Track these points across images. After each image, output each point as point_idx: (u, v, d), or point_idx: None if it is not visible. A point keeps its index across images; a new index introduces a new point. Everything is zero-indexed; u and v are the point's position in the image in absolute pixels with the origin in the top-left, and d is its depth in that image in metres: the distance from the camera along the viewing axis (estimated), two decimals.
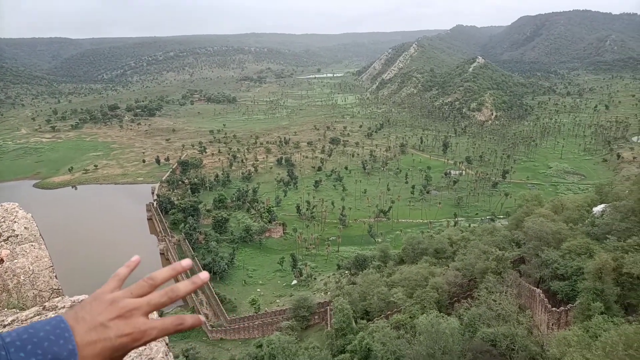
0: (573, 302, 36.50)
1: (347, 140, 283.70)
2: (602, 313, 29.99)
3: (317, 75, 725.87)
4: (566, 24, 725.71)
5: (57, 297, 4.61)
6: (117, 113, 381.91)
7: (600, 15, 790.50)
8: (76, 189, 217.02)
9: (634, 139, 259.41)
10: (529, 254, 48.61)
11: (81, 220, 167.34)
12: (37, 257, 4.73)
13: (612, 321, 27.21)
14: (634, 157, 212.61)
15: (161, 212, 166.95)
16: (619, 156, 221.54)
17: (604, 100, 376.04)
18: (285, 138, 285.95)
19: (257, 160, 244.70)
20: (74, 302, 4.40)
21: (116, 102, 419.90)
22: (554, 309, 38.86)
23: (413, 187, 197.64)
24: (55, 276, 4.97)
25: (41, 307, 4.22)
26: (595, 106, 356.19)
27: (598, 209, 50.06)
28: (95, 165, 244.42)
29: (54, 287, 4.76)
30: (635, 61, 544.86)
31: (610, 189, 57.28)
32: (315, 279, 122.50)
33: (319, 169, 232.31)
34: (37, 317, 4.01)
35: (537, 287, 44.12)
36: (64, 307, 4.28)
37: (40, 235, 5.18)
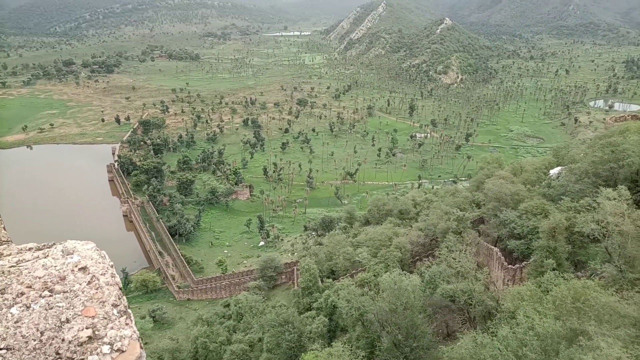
0: (528, 260, 38.42)
1: (315, 102, 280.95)
2: (553, 269, 31.70)
3: (283, 33, 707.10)
4: None
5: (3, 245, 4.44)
6: (72, 69, 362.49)
7: None
8: (31, 148, 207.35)
9: (591, 103, 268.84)
10: (488, 215, 50.43)
11: (39, 182, 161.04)
12: None
13: (562, 277, 28.81)
14: (590, 122, 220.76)
15: (123, 174, 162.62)
16: (576, 120, 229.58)
17: (565, 64, 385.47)
18: (251, 98, 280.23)
19: (223, 121, 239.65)
20: (20, 249, 4.25)
21: (71, 57, 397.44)
22: (510, 266, 40.84)
23: (379, 149, 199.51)
24: (4, 227, 4.76)
25: None
26: (557, 71, 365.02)
27: (554, 171, 52.04)
28: (51, 124, 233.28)
29: (2, 238, 4.57)
30: (595, 26, 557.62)
31: (567, 152, 59.47)
32: (282, 240, 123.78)
33: (286, 130, 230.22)
34: None
35: (495, 246, 46.11)
36: (9, 254, 4.13)
37: None
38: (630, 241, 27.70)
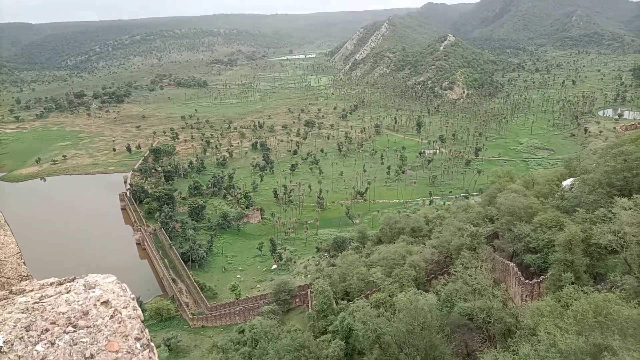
0: (545, 274, 37.71)
1: (322, 123, 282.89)
2: (572, 283, 31.07)
3: (289, 57, 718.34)
4: (533, 0, 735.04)
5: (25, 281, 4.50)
6: (83, 100, 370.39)
7: None
8: (45, 180, 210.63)
9: (600, 113, 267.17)
10: (502, 229, 49.82)
11: (52, 213, 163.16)
12: (2, 244, 4.56)
13: (582, 290, 28.20)
14: (600, 131, 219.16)
15: (135, 202, 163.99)
16: (586, 130, 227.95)
17: (571, 75, 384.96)
18: (259, 122, 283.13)
19: (232, 146, 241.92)
20: (42, 285, 4.30)
21: (82, 89, 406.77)
22: (527, 281, 40.11)
23: (389, 167, 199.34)
24: (24, 262, 4.82)
25: (8, 292, 4.18)
26: (563, 82, 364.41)
27: (567, 182, 51.49)
28: (64, 156, 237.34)
29: (23, 273, 4.62)
30: (599, 36, 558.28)
31: (578, 162, 58.86)
32: (294, 262, 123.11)
33: (295, 152, 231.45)
34: (4, 300, 3.97)
35: (511, 261, 45.41)
36: (32, 290, 4.18)
37: (6, 221, 4.98)
38: None
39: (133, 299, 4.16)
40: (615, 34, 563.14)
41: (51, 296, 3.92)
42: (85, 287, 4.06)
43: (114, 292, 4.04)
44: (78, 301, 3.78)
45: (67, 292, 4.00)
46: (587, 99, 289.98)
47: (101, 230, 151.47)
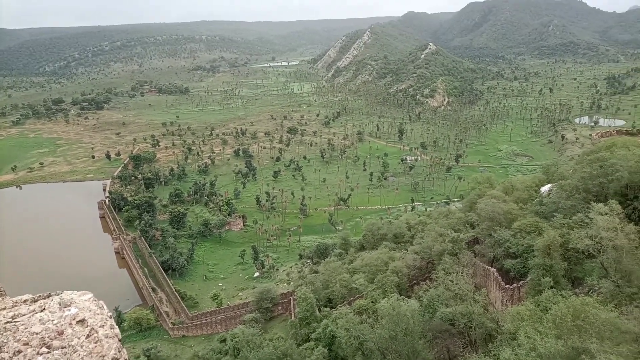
0: (525, 279, 38.24)
1: (305, 130, 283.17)
2: (551, 287, 31.55)
3: (271, 64, 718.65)
4: (512, 10, 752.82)
5: None
6: (62, 107, 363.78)
7: (543, 1, 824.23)
8: (21, 188, 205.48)
9: (576, 120, 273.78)
10: (483, 235, 50.46)
11: (28, 222, 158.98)
12: None
13: (560, 294, 28.63)
14: (577, 138, 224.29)
15: (114, 210, 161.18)
16: (563, 137, 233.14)
17: (548, 83, 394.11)
18: (241, 129, 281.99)
19: (214, 153, 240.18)
20: (15, 302, 4.08)
21: (61, 96, 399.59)
22: (507, 286, 40.61)
23: (371, 174, 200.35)
24: None
25: None
26: (541, 90, 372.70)
27: (545, 188, 52.46)
28: (41, 163, 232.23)
29: None
30: (575, 45, 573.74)
31: (556, 169, 60.10)
32: (277, 270, 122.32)
33: (278, 159, 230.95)
34: None
35: (491, 266, 45.94)
36: (4, 308, 3.96)
37: None
38: (625, 255, 27.76)
39: (110, 317, 4.00)
40: (590, 44, 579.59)
41: (24, 315, 3.77)
42: (60, 305, 3.90)
43: (90, 310, 3.89)
44: (52, 320, 3.66)
45: (41, 311, 3.84)
46: (564, 106, 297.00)
47: (79, 240, 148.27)
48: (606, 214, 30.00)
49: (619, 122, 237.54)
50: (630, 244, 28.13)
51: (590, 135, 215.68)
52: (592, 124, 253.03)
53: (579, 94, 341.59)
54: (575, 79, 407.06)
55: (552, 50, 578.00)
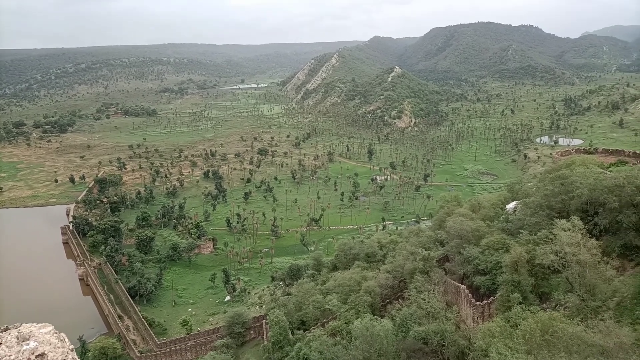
0: (494, 295, 38.88)
1: (275, 151, 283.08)
2: (520, 303, 32.17)
3: (241, 86, 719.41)
4: (473, 35, 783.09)
5: None
6: (23, 130, 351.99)
7: (502, 27, 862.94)
8: None
9: (537, 140, 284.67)
10: (453, 252, 51.21)
11: None
12: None
13: (529, 310, 29.24)
14: (539, 157, 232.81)
15: (78, 235, 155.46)
16: (525, 156, 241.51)
17: (510, 105, 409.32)
18: (211, 150, 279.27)
19: (182, 175, 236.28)
20: None
21: (22, 119, 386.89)
22: (477, 302, 41.15)
23: (342, 194, 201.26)
24: None
25: None
26: (503, 111, 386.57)
27: (510, 206, 53.97)
28: (0, 188, 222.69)
29: None
30: (533, 69, 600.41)
31: (520, 187, 62.02)
32: (249, 293, 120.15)
33: (248, 180, 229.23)
34: None
35: (462, 283, 46.52)
36: None
37: None
38: (588, 270, 28.69)
39: (72, 350, 3.84)
40: (547, 67, 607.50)
41: None
42: (18, 339, 3.69)
43: (50, 344, 3.70)
44: (10, 355, 3.48)
45: None
46: (525, 127, 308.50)
47: (41, 267, 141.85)
48: (569, 229, 31.07)
49: (577, 141, 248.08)
50: (592, 259, 29.13)
51: (551, 154, 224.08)
52: (552, 143, 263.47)
53: (538, 114, 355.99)
54: (534, 100, 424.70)
55: (512, 73, 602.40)
